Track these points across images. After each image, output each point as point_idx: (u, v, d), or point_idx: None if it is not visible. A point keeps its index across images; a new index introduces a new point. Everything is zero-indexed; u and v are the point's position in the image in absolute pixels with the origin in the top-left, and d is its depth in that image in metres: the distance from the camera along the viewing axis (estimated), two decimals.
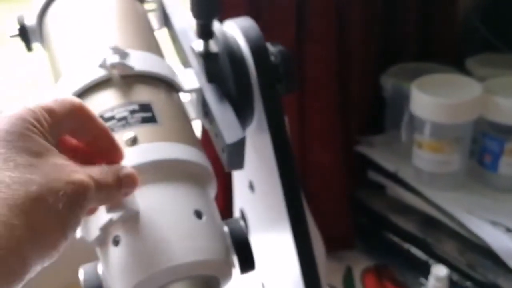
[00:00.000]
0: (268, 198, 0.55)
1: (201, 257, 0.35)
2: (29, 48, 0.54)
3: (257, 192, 0.58)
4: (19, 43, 0.55)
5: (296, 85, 0.52)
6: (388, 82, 1.06)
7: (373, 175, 1.07)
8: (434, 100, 0.92)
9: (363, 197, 1.07)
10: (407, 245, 0.99)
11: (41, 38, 0.52)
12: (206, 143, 0.55)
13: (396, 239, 1.01)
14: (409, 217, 1.00)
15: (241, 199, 0.64)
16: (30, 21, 0.52)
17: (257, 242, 0.59)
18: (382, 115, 1.11)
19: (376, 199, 1.05)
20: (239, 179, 0.63)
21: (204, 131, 0.80)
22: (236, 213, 0.66)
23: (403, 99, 1.00)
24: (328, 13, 0.93)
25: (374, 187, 1.07)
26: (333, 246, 0.93)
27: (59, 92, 0.43)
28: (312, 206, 0.58)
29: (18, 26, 0.53)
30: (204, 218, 0.37)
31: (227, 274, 0.38)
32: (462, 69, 1.06)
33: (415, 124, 0.97)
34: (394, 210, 1.02)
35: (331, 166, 1.01)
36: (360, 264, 1.02)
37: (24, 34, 0.53)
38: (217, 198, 0.42)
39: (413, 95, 0.95)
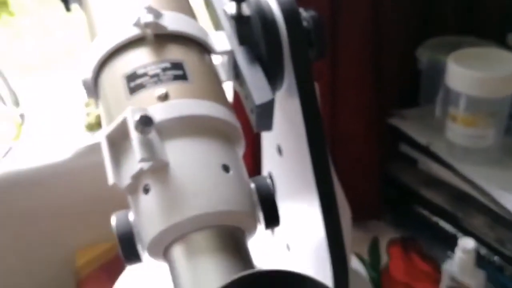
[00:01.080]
0: (295, 163, 0.56)
1: (226, 208, 0.36)
2: (68, 8, 0.56)
3: (285, 156, 0.59)
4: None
5: (326, 51, 0.52)
6: (424, 55, 1.04)
7: (404, 148, 1.06)
8: (470, 73, 0.90)
9: (394, 170, 1.06)
10: (435, 218, 0.99)
11: None
12: (237, 107, 0.56)
13: (425, 212, 1.01)
14: (440, 191, 0.99)
15: (269, 163, 0.65)
16: None
17: (284, 204, 0.60)
18: (417, 88, 1.09)
19: (407, 173, 1.05)
20: (267, 143, 0.64)
21: (235, 95, 0.81)
22: None
23: (439, 73, 0.98)
24: None
25: (406, 160, 1.06)
26: (361, 215, 0.94)
27: (94, 50, 0.45)
28: (341, 175, 0.58)
29: None
30: (231, 172, 0.38)
31: (252, 227, 0.39)
32: (504, 44, 1.03)
33: (450, 97, 0.95)
34: (424, 183, 1.01)
35: (362, 137, 1.01)
36: (387, 235, 1.02)
37: None
38: (245, 162, 0.43)
39: (449, 68, 0.93)
